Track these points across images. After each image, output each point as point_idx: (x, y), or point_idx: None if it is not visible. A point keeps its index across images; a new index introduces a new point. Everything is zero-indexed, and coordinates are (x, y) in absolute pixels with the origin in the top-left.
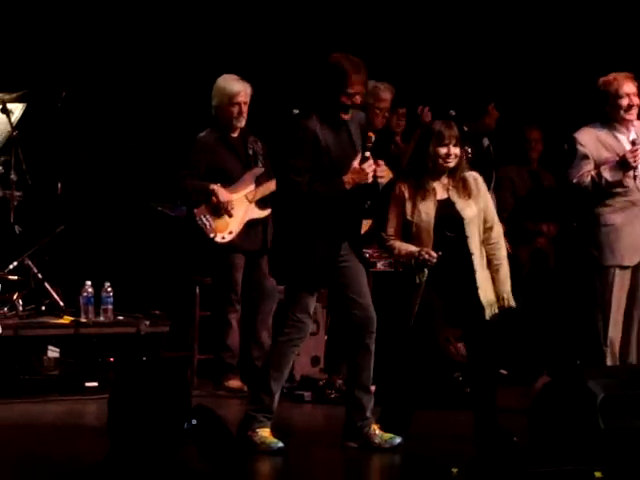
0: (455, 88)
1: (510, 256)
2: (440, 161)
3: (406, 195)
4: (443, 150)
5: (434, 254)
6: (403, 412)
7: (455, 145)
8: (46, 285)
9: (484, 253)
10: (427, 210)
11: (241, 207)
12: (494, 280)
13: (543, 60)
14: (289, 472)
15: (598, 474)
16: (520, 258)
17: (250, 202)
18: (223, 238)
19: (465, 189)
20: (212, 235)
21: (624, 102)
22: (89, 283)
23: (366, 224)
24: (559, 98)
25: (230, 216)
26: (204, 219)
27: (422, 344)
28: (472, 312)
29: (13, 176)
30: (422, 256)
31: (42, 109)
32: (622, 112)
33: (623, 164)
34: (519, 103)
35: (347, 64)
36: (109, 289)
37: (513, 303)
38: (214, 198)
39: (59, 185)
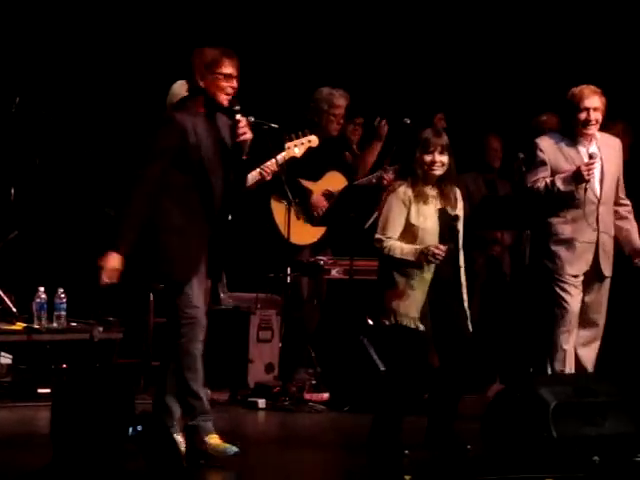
0: (414, 97)
1: (465, 263)
2: (426, 168)
3: (411, 199)
4: (428, 158)
5: (443, 247)
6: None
7: (441, 153)
8: None
9: None
10: (431, 216)
11: None
12: None
13: (507, 69)
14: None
15: None
16: (475, 265)
17: None
18: None
19: (451, 199)
20: None
21: (582, 116)
22: (42, 289)
23: (320, 231)
24: (521, 106)
25: None
26: None
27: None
28: (459, 324)
29: None
30: (431, 250)
31: None
32: (580, 125)
33: (577, 176)
34: (480, 111)
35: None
36: (62, 295)
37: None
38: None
39: (12, 190)
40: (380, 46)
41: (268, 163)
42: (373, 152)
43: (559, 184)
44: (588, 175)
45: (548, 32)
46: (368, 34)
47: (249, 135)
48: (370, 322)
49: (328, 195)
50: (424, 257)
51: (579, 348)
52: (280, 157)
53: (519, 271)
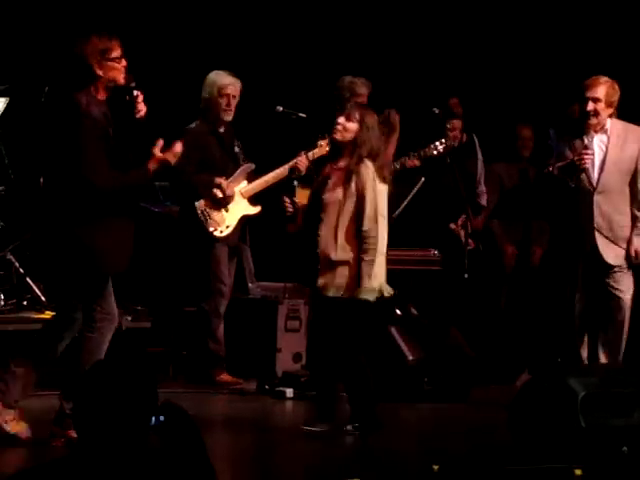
0: (445, 87)
1: (495, 253)
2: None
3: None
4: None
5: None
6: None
7: (348, 118)
8: (28, 280)
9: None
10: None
11: (236, 203)
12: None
13: (539, 57)
14: (267, 470)
15: (578, 472)
16: (504, 256)
17: (244, 198)
18: (221, 232)
19: (345, 174)
20: (212, 229)
21: (584, 106)
22: None
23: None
24: (552, 96)
25: (227, 211)
26: (205, 213)
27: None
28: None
29: None
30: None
31: (25, 103)
32: (585, 115)
33: (571, 166)
34: (512, 100)
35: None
36: None
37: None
38: (218, 192)
39: (41, 180)
40: (410, 35)
41: (300, 158)
42: (391, 144)
43: (555, 171)
44: (581, 165)
45: (581, 20)
46: (396, 23)
47: (145, 109)
48: (398, 312)
49: None
50: None
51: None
52: (312, 154)
53: (549, 262)
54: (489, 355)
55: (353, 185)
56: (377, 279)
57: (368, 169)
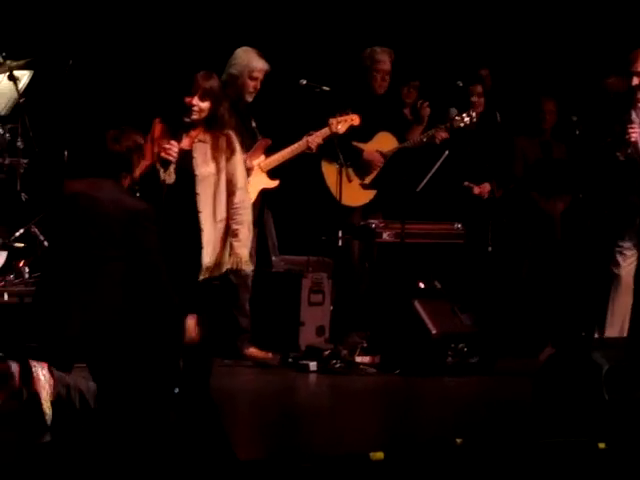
0: (469, 60)
1: (516, 225)
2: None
3: None
4: (187, 99)
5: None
6: None
7: (201, 98)
8: None
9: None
10: None
11: (255, 176)
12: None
13: (563, 30)
14: (290, 443)
15: (602, 445)
16: (526, 228)
17: (262, 172)
18: None
19: (216, 147)
20: None
21: (633, 81)
22: None
23: (370, 193)
24: (575, 69)
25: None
26: None
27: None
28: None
29: (20, 144)
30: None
31: (49, 76)
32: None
33: (619, 140)
34: (535, 73)
35: None
36: None
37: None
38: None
39: (65, 153)
40: (434, 8)
41: (313, 136)
42: (416, 133)
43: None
44: (629, 138)
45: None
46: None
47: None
48: (421, 285)
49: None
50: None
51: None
52: (325, 131)
53: (572, 235)
54: (513, 328)
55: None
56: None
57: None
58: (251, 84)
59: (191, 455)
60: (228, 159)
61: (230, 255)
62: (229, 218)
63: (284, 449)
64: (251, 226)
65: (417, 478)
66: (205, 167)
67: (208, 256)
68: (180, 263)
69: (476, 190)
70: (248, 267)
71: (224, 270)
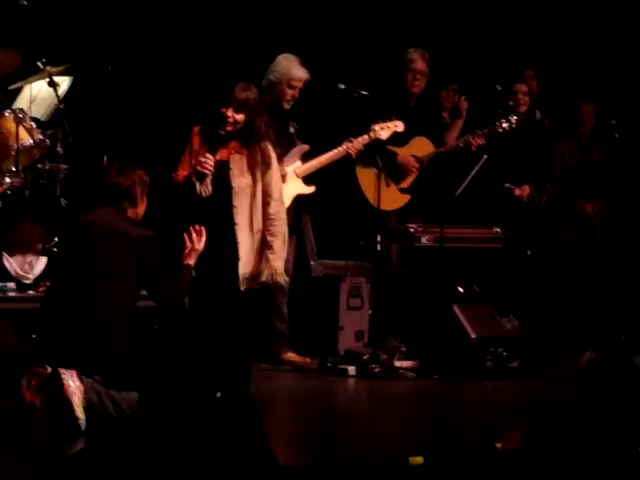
0: (509, 64)
1: (556, 229)
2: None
3: None
4: (223, 110)
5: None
6: None
7: (236, 110)
8: None
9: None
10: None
11: (290, 182)
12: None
13: (601, 34)
14: (328, 447)
15: None
16: (564, 232)
17: (298, 178)
18: None
19: (252, 159)
20: None
21: None
22: None
23: (405, 197)
24: (614, 73)
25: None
26: None
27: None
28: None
29: (59, 149)
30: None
31: (89, 82)
32: None
33: None
34: (574, 77)
35: None
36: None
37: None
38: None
39: (105, 158)
40: (474, 13)
41: (354, 142)
42: (455, 129)
43: None
44: None
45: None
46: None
47: None
48: (460, 290)
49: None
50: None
51: None
52: (366, 138)
53: (611, 238)
54: (553, 332)
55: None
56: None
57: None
58: (289, 92)
59: (232, 460)
60: (264, 171)
61: (265, 267)
62: (264, 229)
63: (324, 454)
64: (286, 237)
65: None
66: (241, 179)
67: (245, 267)
68: (219, 274)
69: (517, 192)
70: (282, 279)
71: (260, 282)
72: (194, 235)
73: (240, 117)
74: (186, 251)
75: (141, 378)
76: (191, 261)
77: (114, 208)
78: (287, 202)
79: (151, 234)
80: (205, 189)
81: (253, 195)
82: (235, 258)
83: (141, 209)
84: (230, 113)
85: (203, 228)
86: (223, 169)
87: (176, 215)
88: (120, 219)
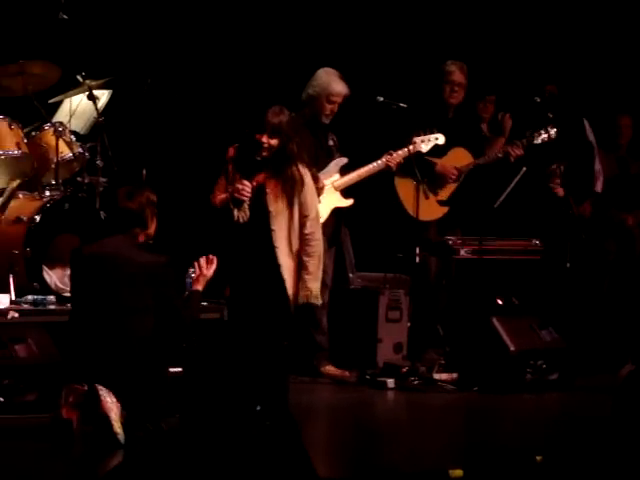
0: (546, 75)
1: (596, 241)
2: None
3: None
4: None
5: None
6: None
7: (271, 135)
8: None
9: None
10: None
11: (328, 195)
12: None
13: None
14: (367, 459)
15: None
16: (606, 243)
17: (336, 191)
18: None
19: (286, 181)
20: None
21: None
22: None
23: (444, 208)
24: None
25: (319, 203)
26: None
27: None
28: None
29: (99, 162)
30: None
31: (128, 95)
32: None
33: None
34: (612, 89)
35: None
36: (193, 275)
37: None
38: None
39: (144, 172)
40: (511, 24)
41: (394, 155)
42: (497, 146)
43: None
44: None
45: None
46: (496, 11)
47: None
48: (499, 302)
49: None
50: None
51: None
52: (406, 150)
53: None
54: (593, 344)
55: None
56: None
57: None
58: (328, 107)
59: (272, 472)
60: (299, 192)
61: (301, 289)
62: (300, 250)
63: (363, 466)
64: (322, 257)
65: None
66: (278, 202)
67: (290, 289)
68: (265, 296)
69: (559, 191)
70: (317, 301)
71: (296, 304)
72: (203, 261)
73: (274, 142)
74: (194, 277)
75: (178, 398)
76: (199, 287)
77: (124, 236)
78: (325, 215)
79: (164, 260)
80: (243, 215)
81: (290, 218)
82: (280, 280)
83: (152, 229)
84: (265, 139)
85: (214, 257)
86: (260, 194)
87: (212, 237)
88: (132, 247)
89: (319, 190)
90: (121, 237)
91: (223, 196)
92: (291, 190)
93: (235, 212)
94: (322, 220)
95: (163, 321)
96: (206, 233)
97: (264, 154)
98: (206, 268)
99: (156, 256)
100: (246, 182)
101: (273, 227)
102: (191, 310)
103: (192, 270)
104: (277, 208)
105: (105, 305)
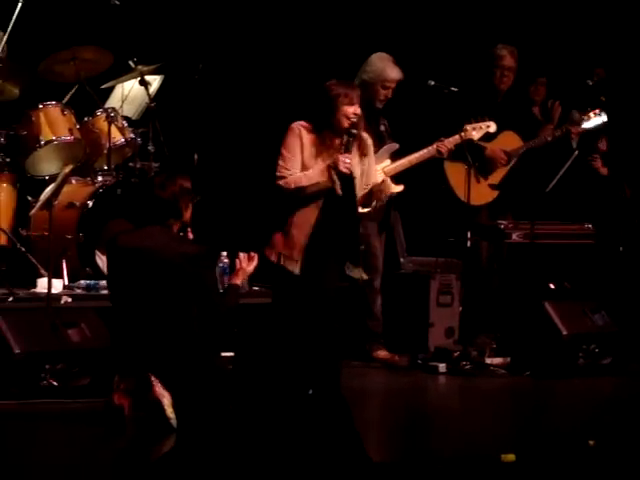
0: (597, 58)
1: None
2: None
3: None
4: (350, 109)
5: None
6: None
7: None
8: None
9: None
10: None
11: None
12: None
13: None
14: (419, 444)
15: None
16: None
17: (386, 176)
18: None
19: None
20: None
21: None
22: (225, 254)
23: (494, 192)
24: None
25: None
26: None
27: None
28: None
29: (151, 147)
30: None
31: (179, 81)
32: None
33: None
34: None
35: None
36: (225, 260)
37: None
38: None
39: (195, 156)
40: (564, 5)
41: (445, 142)
42: (545, 132)
43: None
44: None
45: None
46: None
47: None
48: (552, 286)
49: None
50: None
51: None
52: (457, 138)
53: None
54: None
55: None
56: None
57: None
58: (383, 92)
59: (325, 456)
60: (367, 156)
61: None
62: None
63: (415, 451)
64: None
65: None
66: (356, 167)
67: None
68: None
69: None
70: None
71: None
72: (244, 257)
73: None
74: (236, 269)
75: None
76: (238, 280)
77: (161, 228)
78: None
79: (203, 250)
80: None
81: (360, 186)
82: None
83: (187, 216)
84: (359, 110)
85: (256, 254)
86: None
87: (280, 218)
88: (170, 238)
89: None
90: (157, 228)
91: (298, 178)
92: (363, 154)
93: (338, 186)
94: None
95: (201, 310)
96: (266, 214)
97: (360, 124)
98: (247, 264)
99: (194, 246)
100: (349, 156)
101: (357, 192)
102: (227, 302)
103: (224, 255)
104: (356, 173)
105: (144, 298)
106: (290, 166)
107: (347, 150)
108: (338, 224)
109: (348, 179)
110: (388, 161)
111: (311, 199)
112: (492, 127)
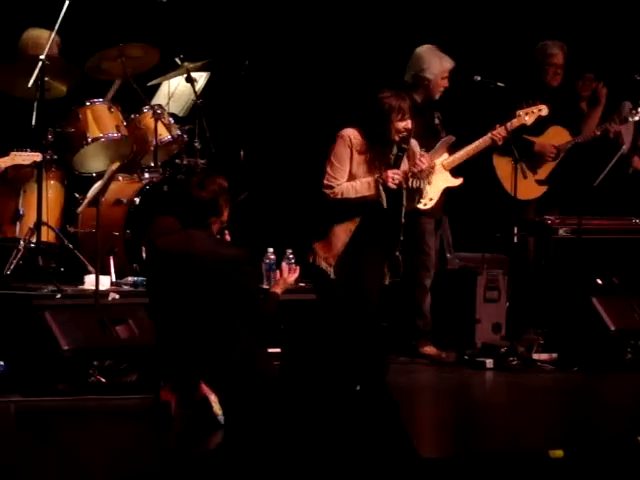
0: None
1: None
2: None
3: None
4: (402, 124)
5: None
6: None
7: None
8: None
9: None
10: None
11: (438, 175)
12: None
13: None
14: (466, 439)
15: None
16: None
17: (445, 170)
18: (425, 205)
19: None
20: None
21: None
22: (271, 250)
23: (543, 187)
24: None
25: (429, 183)
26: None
27: None
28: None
29: (197, 144)
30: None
31: (226, 78)
32: None
33: None
34: None
35: None
36: (291, 256)
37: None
38: (420, 163)
39: (242, 152)
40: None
41: (499, 129)
42: (594, 116)
43: None
44: None
45: None
46: None
47: None
48: (599, 282)
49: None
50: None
51: None
52: (511, 124)
53: None
54: None
55: None
56: None
57: None
58: (442, 84)
59: (373, 452)
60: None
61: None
62: None
63: (463, 447)
64: None
65: (598, 477)
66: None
67: None
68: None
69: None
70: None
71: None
72: (286, 267)
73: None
74: (277, 279)
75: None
76: (278, 290)
77: (201, 231)
78: (436, 195)
79: (243, 253)
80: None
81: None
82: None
83: (225, 216)
84: (410, 124)
85: (298, 267)
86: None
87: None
88: (212, 242)
89: (430, 170)
90: (198, 232)
91: (344, 189)
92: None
93: (384, 199)
94: (434, 201)
95: (242, 314)
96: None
97: (410, 138)
98: (289, 276)
99: (234, 249)
100: (398, 171)
101: (404, 202)
102: (265, 309)
103: (271, 251)
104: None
105: (187, 302)
106: (339, 176)
107: (396, 165)
108: (382, 232)
109: (395, 193)
110: (446, 155)
111: (356, 210)
112: (544, 110)
